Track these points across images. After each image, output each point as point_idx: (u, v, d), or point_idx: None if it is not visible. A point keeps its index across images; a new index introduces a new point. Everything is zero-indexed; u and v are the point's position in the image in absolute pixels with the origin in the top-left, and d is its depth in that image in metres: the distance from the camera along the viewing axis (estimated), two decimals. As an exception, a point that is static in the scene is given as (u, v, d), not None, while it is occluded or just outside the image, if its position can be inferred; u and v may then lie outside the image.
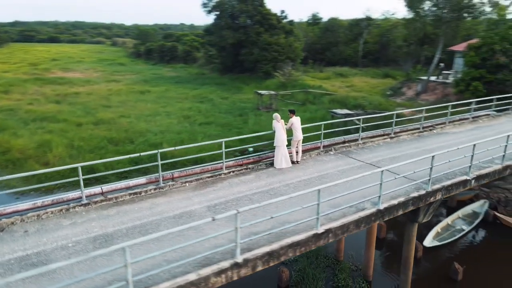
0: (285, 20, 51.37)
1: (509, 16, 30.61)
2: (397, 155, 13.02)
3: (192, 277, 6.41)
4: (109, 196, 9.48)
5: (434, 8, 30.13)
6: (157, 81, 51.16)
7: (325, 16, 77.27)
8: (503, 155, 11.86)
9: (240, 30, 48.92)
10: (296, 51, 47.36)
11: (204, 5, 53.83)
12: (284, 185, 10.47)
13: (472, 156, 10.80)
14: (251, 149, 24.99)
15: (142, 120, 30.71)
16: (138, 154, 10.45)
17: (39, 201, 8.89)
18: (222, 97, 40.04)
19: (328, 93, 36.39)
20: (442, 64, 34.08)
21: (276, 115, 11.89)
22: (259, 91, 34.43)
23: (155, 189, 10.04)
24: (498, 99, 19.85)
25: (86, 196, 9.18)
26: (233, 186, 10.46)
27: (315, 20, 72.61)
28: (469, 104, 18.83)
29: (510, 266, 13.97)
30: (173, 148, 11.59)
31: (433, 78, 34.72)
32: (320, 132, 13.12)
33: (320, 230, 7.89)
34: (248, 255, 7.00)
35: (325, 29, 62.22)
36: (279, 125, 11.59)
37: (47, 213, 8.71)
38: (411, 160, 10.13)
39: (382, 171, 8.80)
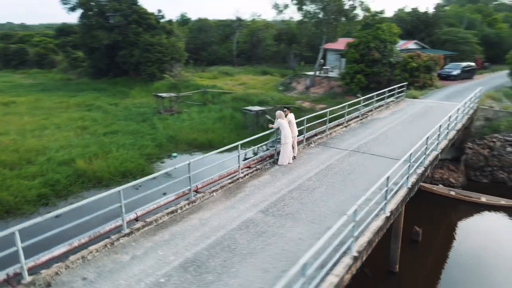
0: (163, 20, 49.66)
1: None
2: (366, 141, 14.71)
3: (333, 279, 6.37)
4: (147, 220, 8.25)
5: (318, 11, 33.94)
6: (16, 90, 43.22)
7: (193, 16, 77.50)
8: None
9: (115, 30, 45.23)
10: (180, 51, 46.45)
11: (64, 2, 47.75)
12: (307, 179, 10.84)
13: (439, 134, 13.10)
14: (174, 154, 24.03)
15: (28, 136, 25.82)
16: (173, 167, 9.35)
17: (75, 241, 7.17)
18: (110, 103, 36.54)
19: (226, 92, 37.10)
20: (322, 61, 38.62)
21: (280, 112, 12.04)
22: (159, 94, 32.84)
23: (188, 204, 9.15)
24: (390, 90, 23.78)
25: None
26: (260, 188, 10.31)
27: (184, 20, 72.01)
28: (371, 97, 21.97)
29: (443, 224, 17.18)
30: (202, 157, 10.63)
31: (317, 73, 39.05)
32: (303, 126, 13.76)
33: (387, 213, 8.63)
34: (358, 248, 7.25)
35: (198, 29, 62.49)
36: (285, 123, 11.79)
37: (91, 252, 7.12)
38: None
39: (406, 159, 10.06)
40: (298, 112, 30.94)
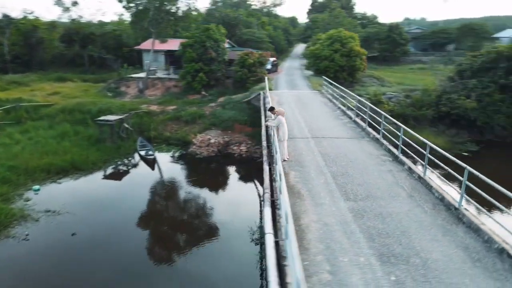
0: None
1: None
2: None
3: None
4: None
5: (146, 8, 32.19)
6: None
7: None
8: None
9: None
10: None
11: None
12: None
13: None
14: (36, 187, 19.06)
15: None
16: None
17: None
18: None
19: (43, 105, 30.70)
20: (148, 61, 36.95)
21: (281, 109, 11.93)
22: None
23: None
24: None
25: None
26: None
27: None
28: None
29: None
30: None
31: (142, 75, 37.20)
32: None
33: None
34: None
35: None
36: (284, 120, 11.84)
37: None
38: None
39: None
40: (151, 116, 29.35)
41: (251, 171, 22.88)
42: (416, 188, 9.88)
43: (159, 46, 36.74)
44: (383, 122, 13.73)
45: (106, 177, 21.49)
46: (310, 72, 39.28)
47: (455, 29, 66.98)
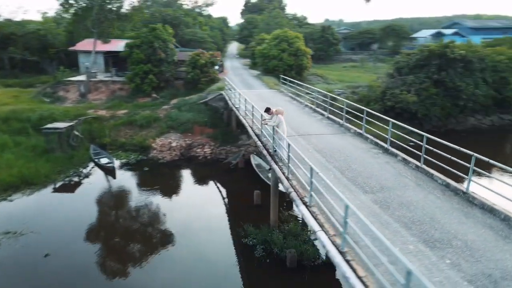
0: None
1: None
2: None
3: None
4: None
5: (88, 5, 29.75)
6: None
7: None
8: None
9: None
10: None
11: None
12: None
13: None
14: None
15: None
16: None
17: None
18: None
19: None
20: (87, 63, 34.26)
21: (280, 109, 11.85)
22: None
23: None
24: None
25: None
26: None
27: None
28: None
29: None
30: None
31: (81, 78, 34.54)
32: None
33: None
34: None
35: None
36: (283, 119, 11.83)
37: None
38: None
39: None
40: (100, 121, 27.46)
41: (219, 172, 22.59)
42: (418, 177, 10.58)
43: (98, 47, 34.35)
44: (365, 117, 14.43)
45: (63, 189, 19.77)
46: (256, 72, 39.71)
47: (379, 29, 72.30)
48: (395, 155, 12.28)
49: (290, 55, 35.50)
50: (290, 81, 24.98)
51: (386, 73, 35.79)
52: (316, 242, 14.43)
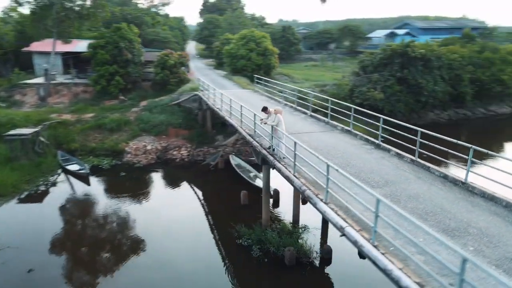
0: None
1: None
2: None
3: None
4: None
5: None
6: None
7: None
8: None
9: None
10: None
11: None
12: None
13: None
14: None
15: None
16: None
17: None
18: None
19: None
20: (46, 65, 32.14)
21: (279, 108, 11.80)
22: None
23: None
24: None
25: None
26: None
27: None
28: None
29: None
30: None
31: (38, 80, 32.47)
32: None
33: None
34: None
35: None
36: (282, 118, 11.81)
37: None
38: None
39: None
40: (66, 126, 26.01)
41: (199, 173, 22.22)
42: (416, 170, 11.04)
43: (56, 47, 32.45)
44: (353, 114, 14.83)
45: (35, 199, 18.55)
46: (223, 72, 39.41)
47: (337, 30, 74.53)
48: (388, 150, 12.72)
49: (258, 54, 35.63)
50: (266, 81, 25.06)
51: (351, 71, 37.05)
52: (312, 239, 14.70)
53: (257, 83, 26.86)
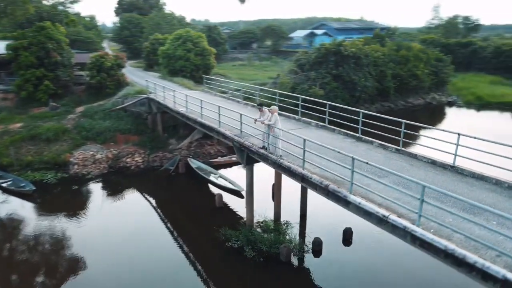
0: None
1: None
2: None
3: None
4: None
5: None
6: None
7: None
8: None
9: None
10: None
11: None
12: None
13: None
14: None
15: None
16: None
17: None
18: None
19: None
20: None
21: (275, 107, 11.69)
22: None
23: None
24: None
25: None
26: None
27: None
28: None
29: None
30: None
31: None
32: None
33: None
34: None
35: None
36: (278, 117, 11.78)
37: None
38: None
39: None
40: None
41: (160, 179, 21.16)
42: (405, 159, 11.94)
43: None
44: (328, 110, 15.46)
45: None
46: (157, 74, 37.80)
47: (259, 30, 76.25)
48: (371, 142, 13.53)
49: (196, 55, 34.92)
50: (217, 81, 24.74)
51: (288, 69, 38.31)
52: (295, 233, 15.01)
53: (206, 83, 26.34)
